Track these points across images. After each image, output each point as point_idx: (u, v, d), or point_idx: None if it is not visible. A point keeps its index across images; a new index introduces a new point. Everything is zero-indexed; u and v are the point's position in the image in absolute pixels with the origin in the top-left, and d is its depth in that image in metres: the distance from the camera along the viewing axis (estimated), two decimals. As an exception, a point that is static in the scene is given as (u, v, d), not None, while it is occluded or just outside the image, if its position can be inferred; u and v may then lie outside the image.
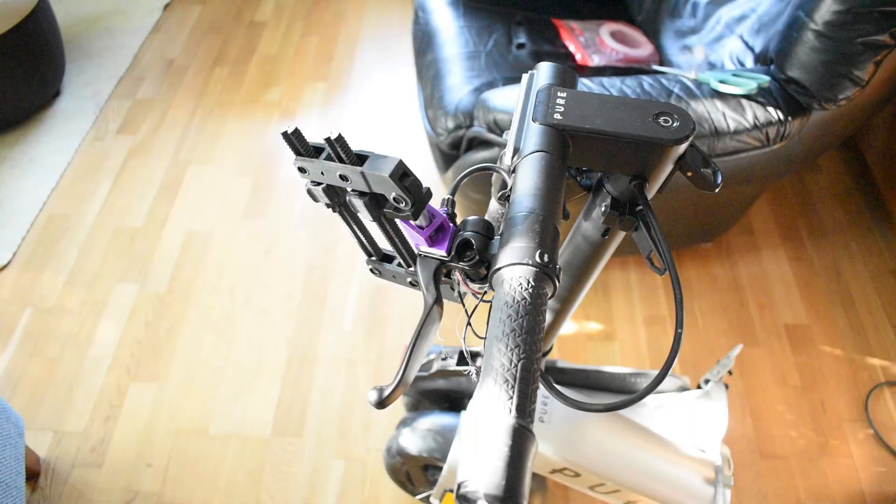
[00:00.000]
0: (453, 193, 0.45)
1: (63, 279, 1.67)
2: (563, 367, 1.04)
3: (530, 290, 0.33)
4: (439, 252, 0.42)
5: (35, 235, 1.77)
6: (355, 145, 0.39)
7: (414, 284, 0.50)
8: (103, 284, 1.66)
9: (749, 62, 1.20)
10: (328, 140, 0.38)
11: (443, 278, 0.44)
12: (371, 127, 2.03)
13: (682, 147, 0.40)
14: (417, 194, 0.38)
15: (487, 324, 0.34)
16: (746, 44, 1.22)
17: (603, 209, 0.46)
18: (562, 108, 0.41)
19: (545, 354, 0.82)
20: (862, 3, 0.94)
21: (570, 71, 0.47)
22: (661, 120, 0.39)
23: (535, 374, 0.31)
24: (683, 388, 0.99)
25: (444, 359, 0.99)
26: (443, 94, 1.35)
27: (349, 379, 1.47)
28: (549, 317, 0.68)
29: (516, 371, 0.31)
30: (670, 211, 1.40)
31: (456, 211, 0.44)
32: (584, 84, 1.10)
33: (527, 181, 0.38)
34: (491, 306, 0.35)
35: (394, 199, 0.39)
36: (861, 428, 1.36)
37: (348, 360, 1.50)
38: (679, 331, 0.40)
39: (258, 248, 1.72)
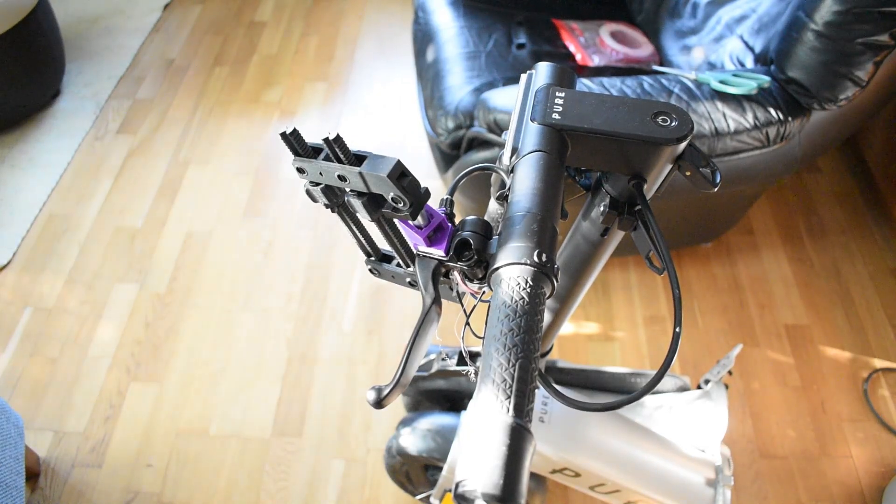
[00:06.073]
0: (452, 193, 0.46)
1: (63, 279, 1.67)
2: (563, 367, 1.04)
3: (528, 290, 0.33)
4: (438, 252, 0.42)
5: (35, 235, 1.77)
6: (355, 146, 0.39)
7: (413, 284, 0.50)
8: (103, 284, 1.66)
9: (749, 62, 1.19)
10: (326, 140, 0.38)
11: (441, 278, 0.44)
12: (371, 127, 2.03)
13: (681, 146, 0.40)
14: (415, 194, 0.38)
15: (486, 324, 0.35)
16: (746, 44, 1.22)
17: (602, 209, 0.46)
18: (560, 108, 0.41)
19: (545, 355, 0.82)
20: (862, 3, 0.94)
21: (568, 71, 0.47)
22: (659, 119, 0.39)
23: (532, 373, 0.31)
24: (683, 389, 0.99)
25: (444, 359, 0.99)
26: (443, 94, 1.35)
27: (349, 379, 1.47)
28: (548, 317, 0.68)
29: (514, 371, 0.31)
30: (670, 211, 1.40)
31: (455, 211, 0.45)
32: (585, 84, 1.10)
33: (525, 181, 0.38)
34: (489, 306, 0.35)
35: (392, 199, 0.39)
36: (861, 428, 1.35)
37: (348, 360, 1.50)
38: (677, 330, 0.40)
39: (258, 248, 1.72)
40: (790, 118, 1.08)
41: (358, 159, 0.39)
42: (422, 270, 0.43)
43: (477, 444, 0.29)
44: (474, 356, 0.93)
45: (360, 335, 1.54)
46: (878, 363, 1.44)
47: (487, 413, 0.30)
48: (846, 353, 1.46)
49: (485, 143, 1.21)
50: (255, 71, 2.23)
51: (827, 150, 1.34)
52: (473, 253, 0.40)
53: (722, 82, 1.09)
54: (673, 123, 0.39)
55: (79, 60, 2.28)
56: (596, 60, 1.46)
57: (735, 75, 1.11)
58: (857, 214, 1.72)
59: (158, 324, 1.57)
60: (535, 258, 0.34)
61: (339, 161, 0.39)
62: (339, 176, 0.39)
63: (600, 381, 1.03)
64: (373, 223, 0.43)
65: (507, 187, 0.40)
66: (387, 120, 2.04)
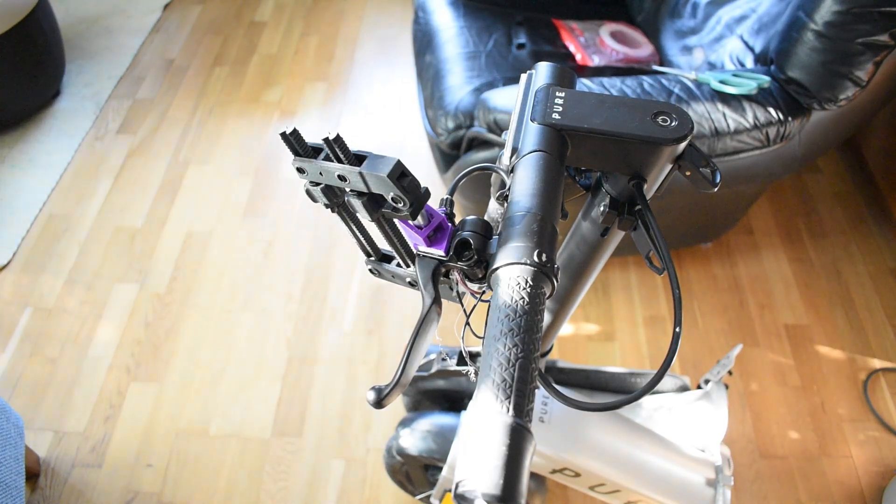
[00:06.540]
0: (452, 193, 0.46)
1: (63, 279, 1.67)
2: (563, 367, 1.04)
3: (528, 290, 0.33)
4: (438, 252, 0.42)
5: (35, 235, 1.77)
6: (355, 146, 0.39)
7: (413, 284, 0.50)
8: (103, 284, 1.66)
9: (749, 62, 1.19)
10: (326, 140, 0.38)
11: (441, 278, 0.44)
12: (371, 127, 2.03)
13: (681, 146, 0.40)
14: (415, 194, 0.38)
15: (486, 324, 0.35)
16: (746, 44, 1.22)
17: (602, 209, 0.46)
18: (560, 108, 0.41)
19: (545, 355, 0.82)
20: (862, 3, 0.94)
21: (568, 71, 0.47)
22: (659, 119, 0.39)
23: (532, 373, 0.31)
24: (683, 389, 0.99)
25: (444, 359, 0.99)
26: (443, 94, 1.35)
27: (349, 379, 1.47)
28: (548, 317, 0.68)
29: (514, 370, 0.31)
30: (670, 211, 1.40)
31: (455, 211, 0.45)
32: (585, 84, 1.10)
33: (525, 181, 0.38)
34: (489, 306, 0.35)
35: (392, 199, 0.39)
36: (861, 428, 1.35)
37: (348, 360, 1.50)
38: (677, 330, 0.40)
39: (258, 248, 1.72)
40: (790, 118, 1.08)
41: (358, 159, 0.39)
42: (422, 270, 0.43)
43: (477, 444, 0.29)
44: (474, 356, 0.93)
45: (360, 335, 1.54)
46: (878, 363, 1.44)
47: (487, 413, 0.30)
48: (846, 353, 1.46)
49: (485, 143, 1.21)
50: (255, 71, 2.23)
51: (827, 150, 1.34)
52: (473, 253, 0.40)
53: (722, 82, 1.09)
54: (673, 123, 0.39)
55: (79, 60, 2.28)
56: (596, 60, 1.46)
57: (735, 75, 1.11)
58: (857, 214, 1.72)
59: (158, 324, 1.57)
60: (535, 258, 0.34)
61: (339, 161, 0.39)
62: (339, 176, 0.39)
63: (600, 381, 1.03)
64: (373, 223, 0.43)
65: (507, 187, 0.40)
66: (387, 120, 2.04)
